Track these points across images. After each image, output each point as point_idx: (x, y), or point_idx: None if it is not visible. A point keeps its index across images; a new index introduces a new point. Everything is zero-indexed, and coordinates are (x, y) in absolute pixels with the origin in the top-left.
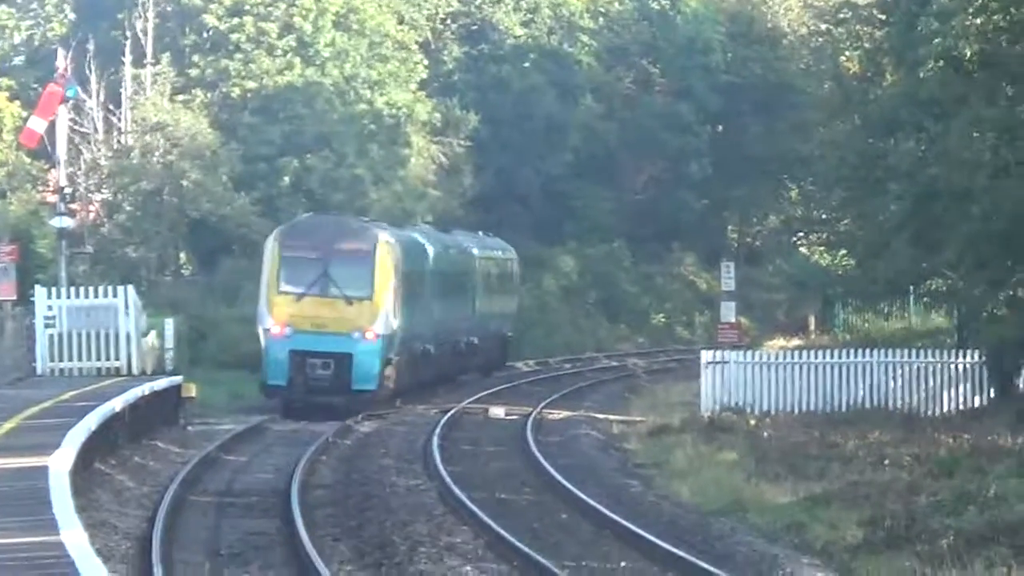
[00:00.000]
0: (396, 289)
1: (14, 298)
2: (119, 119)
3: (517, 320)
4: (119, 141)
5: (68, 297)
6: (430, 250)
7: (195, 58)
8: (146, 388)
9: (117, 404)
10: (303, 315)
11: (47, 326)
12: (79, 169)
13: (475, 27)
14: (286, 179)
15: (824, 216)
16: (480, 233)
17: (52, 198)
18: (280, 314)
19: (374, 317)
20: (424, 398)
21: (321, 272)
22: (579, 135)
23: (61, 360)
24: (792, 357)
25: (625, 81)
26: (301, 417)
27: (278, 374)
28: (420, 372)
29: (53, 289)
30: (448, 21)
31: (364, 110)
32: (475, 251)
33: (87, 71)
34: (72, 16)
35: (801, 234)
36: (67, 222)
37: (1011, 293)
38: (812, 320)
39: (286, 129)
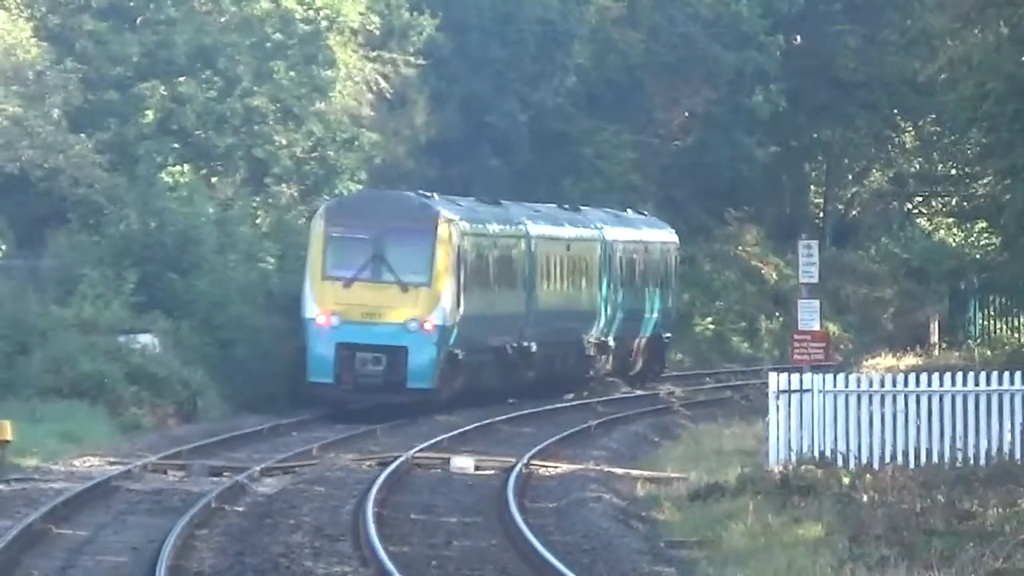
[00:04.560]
0: (462, 275)
1: None
2: None
3: None
4: None
5: None
6: (530, 230)
7: None
8: None
9: None
10: (352, 303)
11: None
12: None
13: None
14: (148, 114)
15: (955, 172)
16: (628, 211)
17: None
18: (326, 302)
19: (432, 305)
20: (355, 444)
21: (372, 255)
22: (587, 50)
23: None
24: (905, 384)
25: None
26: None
27: (323, 370)
28: (513, 373)
29: None
30: None
31: (266, 11)
32: (608, 235)
33: None
34: None
35: (919, 199)
36: None
37: None
38: (936, 328)
39: (148, 40)
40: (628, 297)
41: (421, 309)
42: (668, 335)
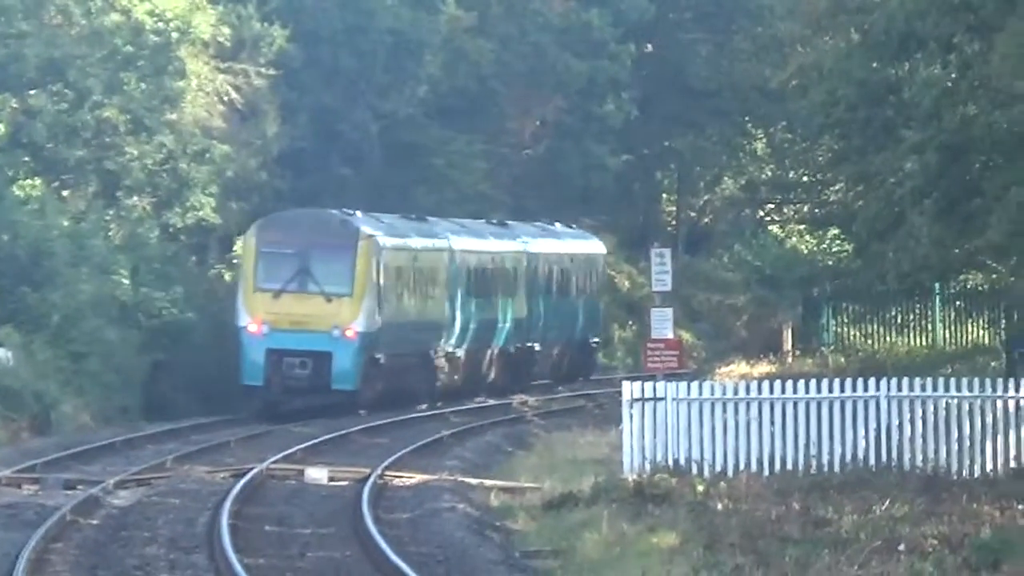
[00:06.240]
0: (384, 285)
1: None
2: None
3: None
4: None
5: None
6: (452, 244)
7: None
8: None
9: None
10: (280, 312)
11: None
12: None
13: None
14: None
15: (806, 179)
16: (557, 225)
17: None
18: (257, 311)
19: (355, 314)
20: (209, 456)
21: (299, 268)
22: (438, 59)
23: None
24: (759, 391)
25: None
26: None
27: (255, 374)
28: (438, 376)
29: None
30: None
31: (116, 23)
32: (532, 247)
33: None
34: None
35: (771, 206)
36: None
37: None
38: (789, 335)
39: None
40: (554, 305)
41: (344, 317)
42: (596, 340)
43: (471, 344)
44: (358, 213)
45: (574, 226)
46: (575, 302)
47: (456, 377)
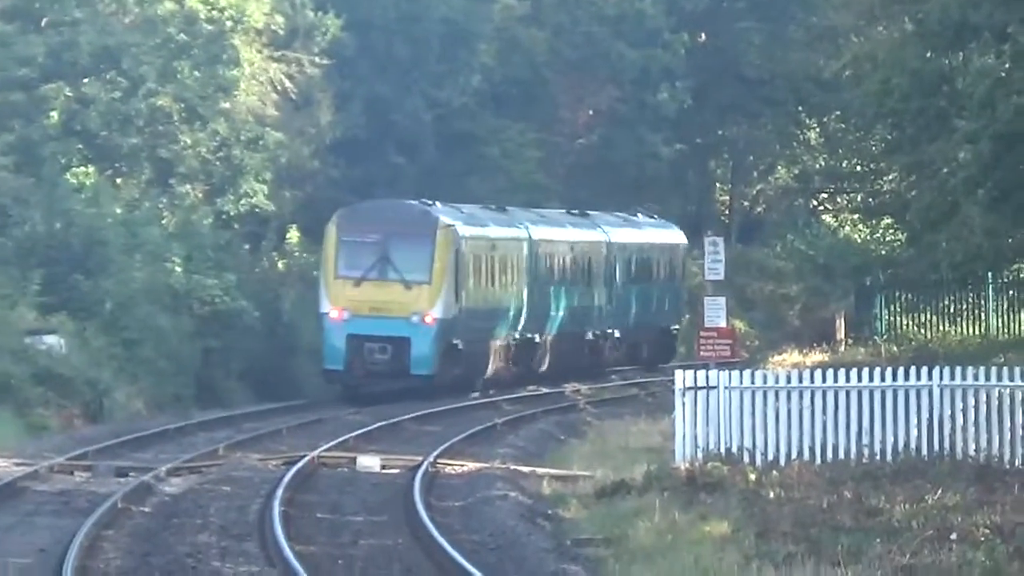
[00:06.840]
0: (461, 273)
1: None
2: None
3: None
4: None
5: None
6: (532, 233)
7: None
8: None
9: None
10: (361, 299)
11: None
12: None
13: None
14: (53, 115)
15: (859, 168)
16: (639, 215)
17: None
18: (338, 298)
19: (433, 301)
20: (261, 443)
21: (380, 256)
22: (492, 49)
23: None
24: (811, 380)
25: None
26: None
27: (336, 359)
28: (514, 359)
29: None
30: None
31: (170, 12)
32: (613, 236)
33: None
34: None
35: (825, 195)
36: None
37: None
38: (841, 324)
39: (53, 42)
40: (634, 293)
41: (422, 304)
42: (676, 327)
43: (549, 331)
44: (438, 203)
45: (656, 216)
46: (655, 290)
47: (533, 363)
